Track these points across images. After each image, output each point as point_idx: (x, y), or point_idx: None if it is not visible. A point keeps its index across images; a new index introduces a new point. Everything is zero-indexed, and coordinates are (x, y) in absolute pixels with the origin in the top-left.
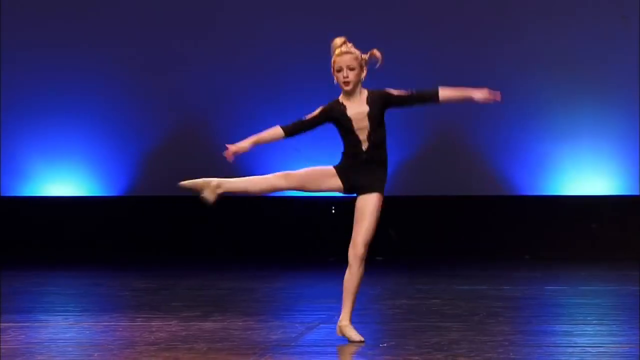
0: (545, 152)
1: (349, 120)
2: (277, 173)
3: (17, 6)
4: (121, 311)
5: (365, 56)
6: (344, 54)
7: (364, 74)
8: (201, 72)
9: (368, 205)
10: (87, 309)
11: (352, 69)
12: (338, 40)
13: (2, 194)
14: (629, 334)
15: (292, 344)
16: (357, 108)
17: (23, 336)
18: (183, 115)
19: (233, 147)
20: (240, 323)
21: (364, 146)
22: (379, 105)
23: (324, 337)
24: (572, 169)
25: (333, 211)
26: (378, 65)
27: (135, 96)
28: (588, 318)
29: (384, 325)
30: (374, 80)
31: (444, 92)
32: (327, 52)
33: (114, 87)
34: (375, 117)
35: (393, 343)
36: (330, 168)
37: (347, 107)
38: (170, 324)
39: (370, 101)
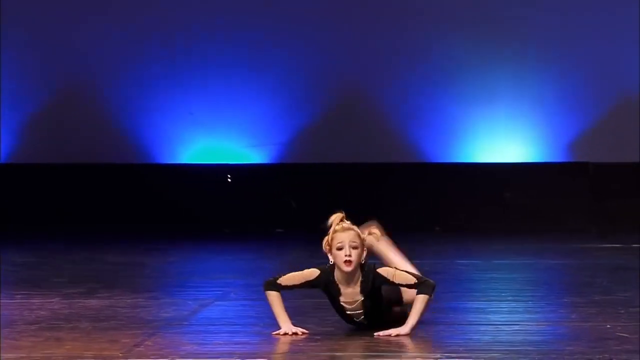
0: (457, 116)
1: (341, 306)
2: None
3: None
4: None
5: (364, 237)
6: (347, 230)
7: (364, 255)
8: (88, 31)
9: None
10: None
11: (355, 248)
12: (337, 216)
13: None
14: (545, 311)
15: (185, 322)
16: (351, 296)
17: None
18: (70, 77)
19: (290, 332)
20: (128, 300)
21: (360, 319)
22: (375, 289)
23: (218, 315)
24: (486, 134)
25: (229, 180)
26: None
27: (14, 60)
28: (502, 294)
29: None
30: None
31: (416, 301)
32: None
33: None
34: (370, 305)
35: (294, 322)
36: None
37: (341, 290)
38: (52, 302)
39: (363, 287)
